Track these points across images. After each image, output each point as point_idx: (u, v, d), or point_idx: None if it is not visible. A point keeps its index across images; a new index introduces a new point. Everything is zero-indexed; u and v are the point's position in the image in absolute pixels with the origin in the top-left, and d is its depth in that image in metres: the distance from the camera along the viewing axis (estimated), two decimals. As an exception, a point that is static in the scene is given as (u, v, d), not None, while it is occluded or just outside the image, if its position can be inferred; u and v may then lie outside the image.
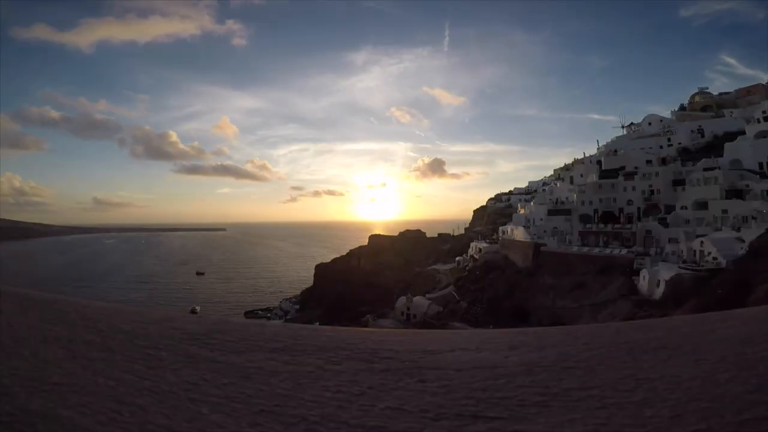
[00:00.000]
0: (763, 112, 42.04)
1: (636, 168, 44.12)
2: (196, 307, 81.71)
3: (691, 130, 50.71)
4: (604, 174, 45.45)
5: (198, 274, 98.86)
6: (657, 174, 41.65)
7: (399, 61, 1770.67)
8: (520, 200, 71.09)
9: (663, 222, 37.41)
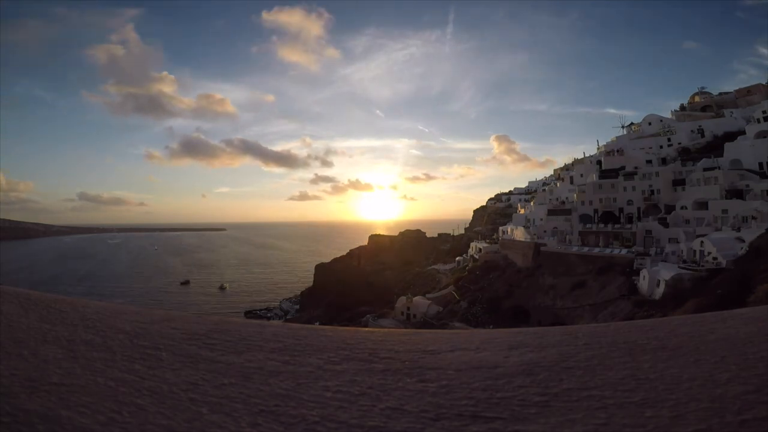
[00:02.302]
0: (763, 112, 42.05)
1: (636, 168, 44.11)
2: (225, 284, 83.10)
3: (691, 130, 50.70)
4: (604, 174, 45.44)
5: (182, 283, 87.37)
6: (657, 174, 41.63)
7: (404, 46, 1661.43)
8: (520, 200, 71.12)
9: (663, 222, 37.40)
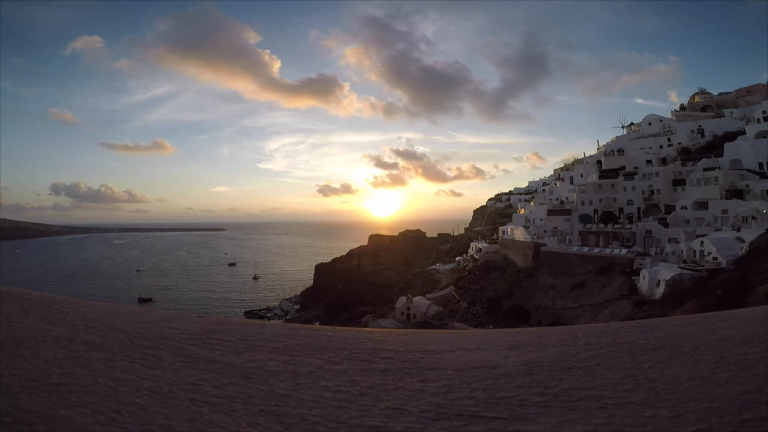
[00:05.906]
0: (763, 112, 42.06)
1: (636, 168, 44.12)
2: (257, 274, 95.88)
3: (691, 130, 50.70)
4: (604, 174, 45.44)
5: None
6: (657, 174, 41.64)
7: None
8: (520, 200, 71.16)
9: (663, 222, 37.40)
